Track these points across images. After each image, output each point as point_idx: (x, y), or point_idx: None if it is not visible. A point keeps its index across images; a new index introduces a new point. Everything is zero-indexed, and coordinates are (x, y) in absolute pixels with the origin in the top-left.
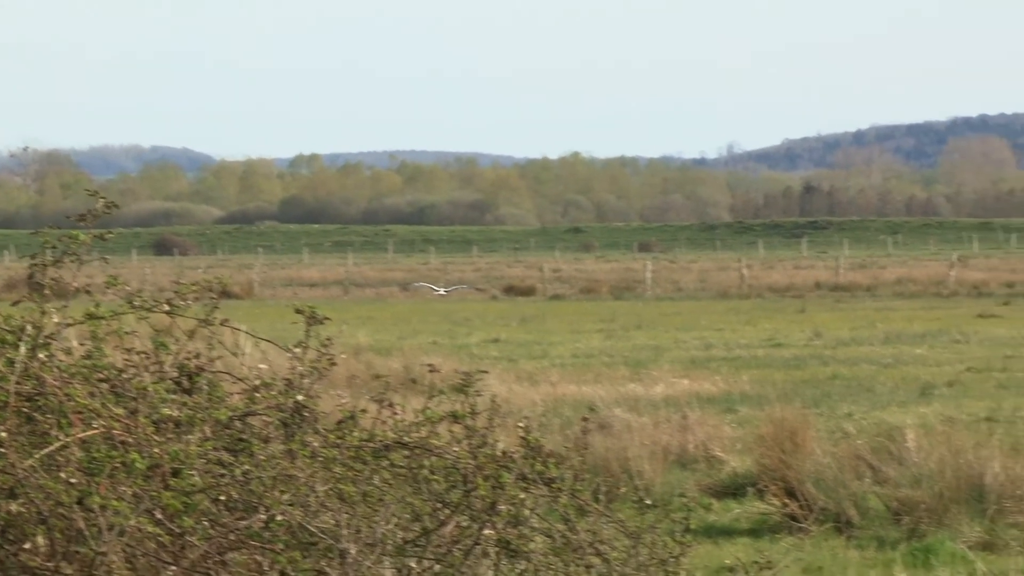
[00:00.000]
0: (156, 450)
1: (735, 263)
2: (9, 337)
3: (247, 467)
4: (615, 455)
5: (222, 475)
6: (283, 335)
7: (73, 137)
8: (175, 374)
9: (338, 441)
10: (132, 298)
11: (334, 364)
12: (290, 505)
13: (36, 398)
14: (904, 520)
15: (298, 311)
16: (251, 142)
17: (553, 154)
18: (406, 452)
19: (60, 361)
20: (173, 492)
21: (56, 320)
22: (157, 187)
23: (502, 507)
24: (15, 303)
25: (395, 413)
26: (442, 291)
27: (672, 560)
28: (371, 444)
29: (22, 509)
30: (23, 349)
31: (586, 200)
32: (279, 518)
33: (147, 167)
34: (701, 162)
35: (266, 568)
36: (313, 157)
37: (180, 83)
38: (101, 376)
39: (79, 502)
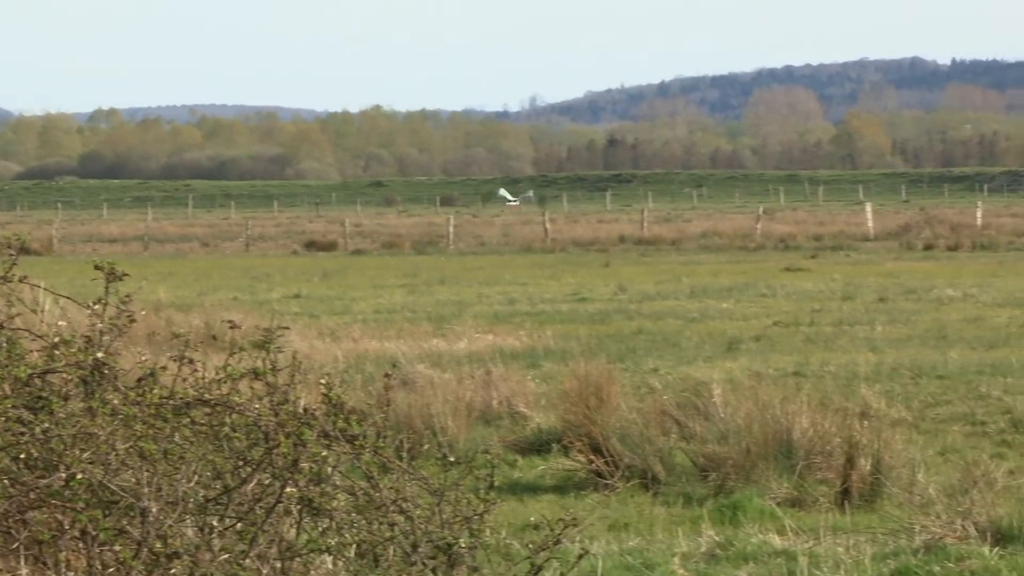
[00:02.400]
0: None
1: (538, 217)
2: None
3: (47, 425)
4: (418, 411)
5: (22, 433)
6: (83, 292)
7: None
8: None
9: (138, 399)
10: None
11: (134, 321)
12: (90, 463)
13: None
14: (711, 476)
15: (97, 267)
16: (50, 96)
17: (354, 107)
18: (207, 409)
19: None
20: None
21: None
22: None
23: (304, 465)
24: None
25: (196, 370)
26: (516, 201)
27: (476, 517)
28: (172, 401)
29: None
30: None
31: (388, 154)
32: (79, 476)
33: None
34: (504, 115)
35: (67, 527)
36: (112, 112)
37: None
38: None
39: None
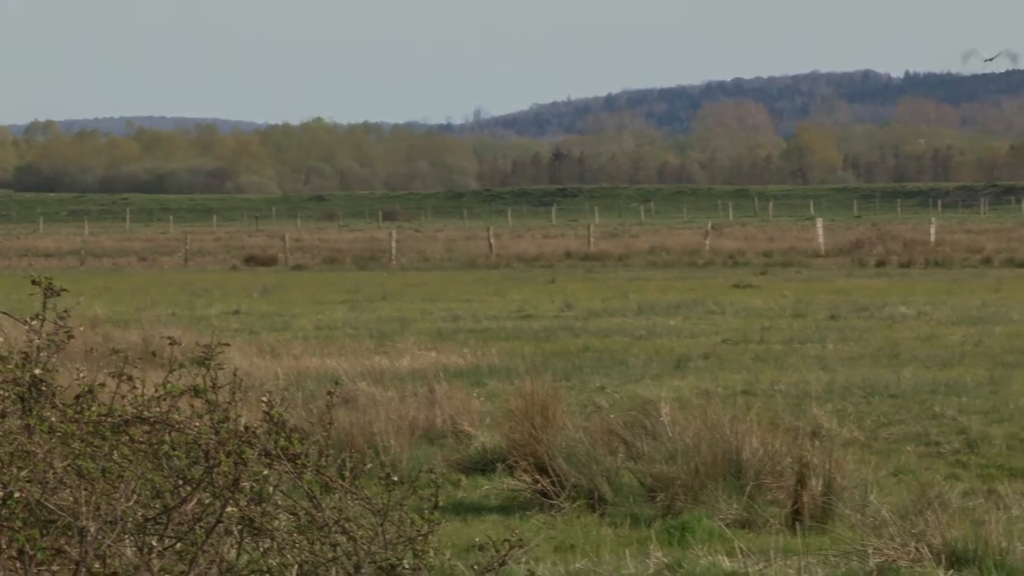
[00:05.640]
0: None
1: (483, 232)
2: None
3: None
4: (360, 430)
5: None
6: (19, 307)
7: None
8: None
9: (76, 416)
10: None
11: (71, 337)
12: (28, 482)
13: None
14: (659, 497)
15: (35, 282)
16: None
17: (295, 120)
18: (146, 427)
19: None
20: None
21: None
22: None
23: (245, 484)
24: None
25: (134, 387)
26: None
27: (420, 538)
28: (110, 419)
29: None
30: None
31: (329, 167)
32: (17, 495)
33: None
34: (447, 128)
35: (4, 546)
36: (49, 124)
37: None
38: None
39: None
